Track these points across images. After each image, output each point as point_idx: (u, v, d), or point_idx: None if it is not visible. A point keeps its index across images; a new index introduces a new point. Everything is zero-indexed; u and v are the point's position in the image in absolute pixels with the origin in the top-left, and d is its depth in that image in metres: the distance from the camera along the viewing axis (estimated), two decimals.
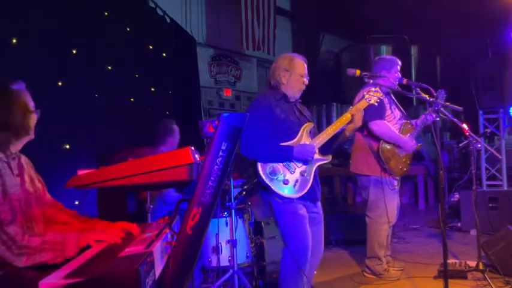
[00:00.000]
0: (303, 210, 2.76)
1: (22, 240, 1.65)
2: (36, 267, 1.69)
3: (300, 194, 2.69)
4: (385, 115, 3.68)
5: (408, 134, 3.76)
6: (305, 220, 2.75)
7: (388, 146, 3.68)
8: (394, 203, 3.80)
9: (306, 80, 2.88)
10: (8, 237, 1.63)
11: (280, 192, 2.65)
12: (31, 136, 1.90)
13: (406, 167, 3.77)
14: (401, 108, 3.95)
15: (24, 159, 1.96)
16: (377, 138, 3.67)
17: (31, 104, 1.89)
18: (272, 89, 2.90)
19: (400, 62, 3.82)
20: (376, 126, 3.63)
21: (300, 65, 2.87)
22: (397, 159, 3.71)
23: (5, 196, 1.72)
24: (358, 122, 2.84)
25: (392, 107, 3.80)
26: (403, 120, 3.85)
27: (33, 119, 1.89)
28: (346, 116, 2.85)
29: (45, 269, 1.63)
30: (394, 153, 3.70)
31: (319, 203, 2.91)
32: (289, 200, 2.69)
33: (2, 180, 1.73)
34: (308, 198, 2.77)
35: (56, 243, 1.69)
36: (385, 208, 3.70)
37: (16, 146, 1.88)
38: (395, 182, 3.78)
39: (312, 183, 2.73)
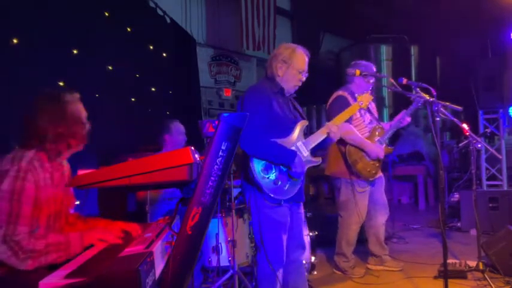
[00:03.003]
0: (286, 217, 2.73)
1: (28, 245, 1.65)
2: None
3: (289, 196, 2.66)
4: (351, 119, 3.69)
5: (377, 138, 3.79)
6: (286, 227, 2.74)
7: (354, 149, 3.73)
8: (365, 204, 3.89)
9: (303, 77, 2.76)
10: (15, 243, 1.64)
11: (270, 191, 2.59)
12: (82, 146, 1.96)
13: (375, 169, 3.82)
14: (373, 112, 3.99)
15: (66, 168, 1.99)
16: (345, 142, 3.71)
17: (84, 115, 1.96)
18: (269, 80, 2.78)
19: (375, 69, 3.86)
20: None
21: (301, 59, 2.73)
22: (365, 162, 3.76)
23: (35, 208, 1.73)
24: (336, 136, 2.76)
25: (362, 111, 3.81)
26: (374, 124, 3.87)
27: (87, 129, 1.96)
28: (339, 119, 2.86)
29: (46, 267, 1.63)
30: (361, 156, 3.75)
31: (302, 204, 2.90)
32: (277, 201, 2.64)
33: (37, 193, 1.74)
34: (295, 199, 2.75)
35: (59, 244, 1.70)
36: (355, 209, 3.83)
37: (65, 156, 1.91)
38: (365, 184, 3.84)
39: (300, 185, 2.72)
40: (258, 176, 2.57)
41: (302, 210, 2.91)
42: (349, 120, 3.64)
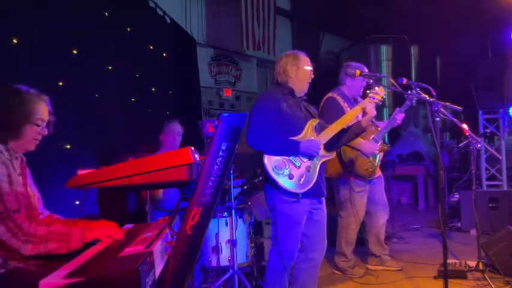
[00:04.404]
0: (302, 215, 2.78)
1: (29, 228, 1.67)
2: (36, 265, 1.70)
3: (305, 189, 2.71)
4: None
5: (372, 136, 3.79)
6: (301, 225, 2.79)
7: (349, 149, 3.74)
8: (363, 203, 3.90)
9: (312, 73, 2.94)
10: (14, 225, 1.66)
11: (286, 186, 2.67)
12: (24, 144, 1.89)
13: (372, 167, 3.83)
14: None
15: (25, 166, 1.98)
16: None
17: (38, 117, 1.88)
18: (279, 85, 2.94)
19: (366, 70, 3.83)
20: None
21: (305, 59, 2.94)
22: (362, 161, 3.77)
23: (12, 188, 1.74)
24: (372, 112, 2.92)
25: None
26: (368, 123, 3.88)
27: (32, 130, 1.88)
28: (355, 111, 2.94)
29: (46, 267, 1.63)
30: (357, 155, 3.76)
31: (323, 199, 2.94)
32: (294, 195, 2.71)
33: (8, 172, 1.76)
34: (313, 193, 2.80)
35: (62, 234, 1.72)
36: (353, 208, 3.84)
37: (17, 148, 1.89)
38: (363, 183, 3.86)
39: (317, 178, 2.76)
40: (272, 173, 2.66)
41: (323, 206, 2.94)
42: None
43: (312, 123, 2.84)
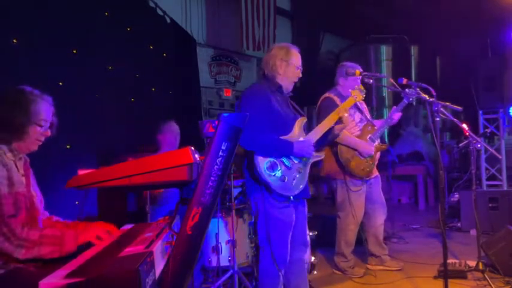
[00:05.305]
0: (291, 217, 2.75)
1: (21, 233, 1.68)
2: (36, 265, 1.70)
3: (296, 192, 2.67)
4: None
5: (369, 136, 3.79)
6: (291, 227, 2.75)
7: (346, 148, 3.73)
8: (361, 203, 3.90)
9: (300, 73, 2.86)
10: (8, 229, 1.67)
11: (278, 188, 2.60)
12: (27, 144, 1.90)
13: (369, 167, 3.83)
14: (364, 111, 3.99)
15: (29, 167, 1.99)
16: (335, 142, 3.72)
17: (42, 118, 1.89)
18: (267, 80, 2.84)
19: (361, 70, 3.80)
20: None
21: (296, 56, 2.84)
22: (358, 161, 3.77)
23: (11, 191, 1.74)
24: (346, 122, 2.91)
25: (352, 111, 3.83)
26: (364, 122, 3.88)
27: (36, 131, 1.88)
28: (337, 112, 2.89)
29: (46, 267, 1.64)
30: (354, 155, 3.76)
31: (306, 201, 2.91)
32: (286, 198, 2.66)
33: (9, 175, 1.76)
34: (301, 196, 2.76)
35: (55, 238, 1.72)
36: (351, 209, 3.84)
37: (20, 148, 1.89)
38: (360, 183, 3.85)
39: (306, 180, 2.74)
40: (264, 174, 2.59)
41: (306, 207, 2.92)
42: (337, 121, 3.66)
43: (301, 121, 2.77)
